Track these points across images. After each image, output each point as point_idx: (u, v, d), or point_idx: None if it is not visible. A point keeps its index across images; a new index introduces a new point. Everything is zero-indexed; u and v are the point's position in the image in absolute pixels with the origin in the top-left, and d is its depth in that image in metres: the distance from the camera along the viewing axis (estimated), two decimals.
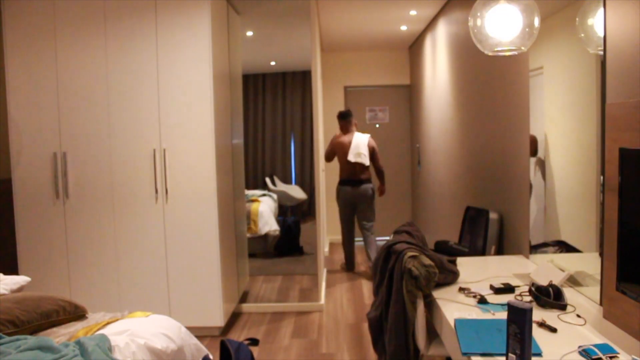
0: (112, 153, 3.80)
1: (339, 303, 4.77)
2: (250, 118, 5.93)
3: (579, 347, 1.75)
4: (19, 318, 2.29)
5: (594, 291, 2.18)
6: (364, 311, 4.46)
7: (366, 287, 5.25)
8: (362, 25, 5.90)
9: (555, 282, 2.26)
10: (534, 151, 2.95)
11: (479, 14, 2.38)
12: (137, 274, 3.84)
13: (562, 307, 2.13)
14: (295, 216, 6.02)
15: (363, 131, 6.27)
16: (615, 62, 2.04)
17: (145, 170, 3.80)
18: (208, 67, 3.73)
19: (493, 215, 3.39)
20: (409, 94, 7.56)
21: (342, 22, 5.77)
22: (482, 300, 2.27)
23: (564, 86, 2.62)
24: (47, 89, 3.80)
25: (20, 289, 2.85)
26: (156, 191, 3.80)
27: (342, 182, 5.78)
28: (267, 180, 6.01)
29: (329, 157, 5.88)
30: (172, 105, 3.76)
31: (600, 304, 2.09)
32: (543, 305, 2.16)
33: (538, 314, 2.06)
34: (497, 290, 2.37)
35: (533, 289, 2.23)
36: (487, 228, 3.38)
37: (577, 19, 2.41)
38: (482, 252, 3.37)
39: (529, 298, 2.24)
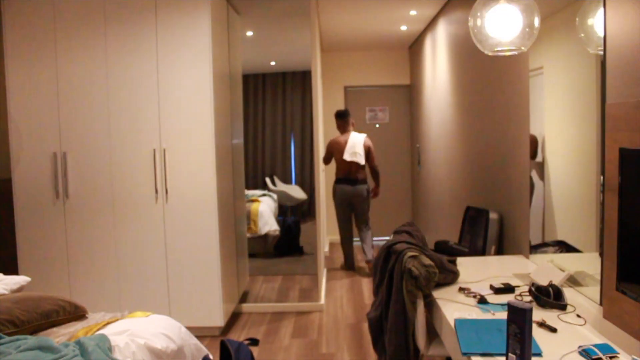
0: (112, 153, 3.80)
1: (339, 303, 4.77)
2: (250, 118, 5.93)
3: (579, 347, 1.75)
4: (19, 318, 2.29)
5: (594, 291, 2.18)
6: (364, 311, 4.47)
7: (366, 287, 5.25)
8: (362, 25, 5.90)
9: (555, 282, 2.26)
10: (533, 153, 2.95)
11: (479, 14, 2.38)
12: (137, 274, 3.84)
13: (562, 307, 2.13)
14: (295, 216, 6.02)
15: (363, 131, 6.29)
16: (615, 62, 2.04)
17: (145, 170, 3.80)
18: (208, 67, 3.74)
19: (493, 215, 3.39)
20: (409, 94, 7.56)
21: (342, 22, 5.77)
22: (482, 300, 2.27)
23: (564, 86, 2.62)
24: (47, 89, 3.80)
25: (20, 289, 2.85)
26: (156, 191, 3.80)
27: (339, 181, 5.82)
28: (267, 180, 6.01)
29: (326, 160, 5.91)
30: (172, 105, 3.76)
31: (600, 304, 2.09)
32: (543, 305, 2.16)
33: (538, 314, 2.06)
34: (497, 290, 2.37)
35: (533, 289, 2.23)
36: (487, 228, 3.38)
37: (577, 19, 2.41)
38: (482, 252, 3.37)
39: (529, 298, 2.24)
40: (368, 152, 5.75)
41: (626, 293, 1.73)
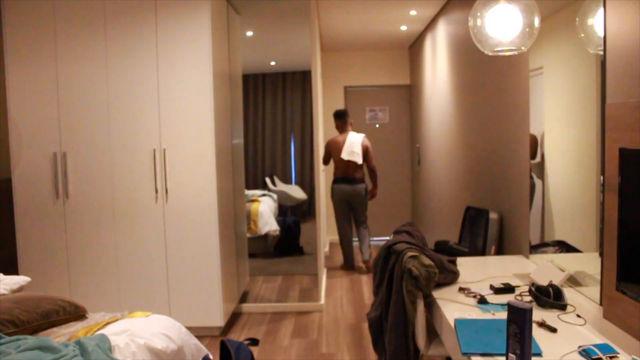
0: (112, 153, 3.80)
1: (339, 303, 4.77)
2: (250, 118, 5.93)
3: (579, 347, 1.75)
4: (19, 318, 2.30)
5: (594, 291, 2.18)
6: (364, 311, 4.47)
7: (366, 287, 5.25)
8: (362, 25, 5.90)
9: (555, 282, 2.26)
10: (533, 154, 2.95)
11: (479, 14, 2.38)
12: (137, 274, 3.84)
13: (562, 307, 2.13)
14: (295, 216, 6.03)
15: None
16: (615, 62, 2.04)
17: (145, 170, 3.80)
18: (208, 67, 3.74)
19: (493, 215, 3.39)
20: (409, 94, 7.57)
21: (342, 22, 5.77)
22: (482, 300, 2.27)
23: (564, 86, 2.62)
24: (47, 89, 3.80)
25: (20, 289, 2.85)
26: (156, 191, 3.80)
27: (337, 181, 5.84)
28: (267, 180, 6.01)
29: (325, 160, 5.92)
30: (172, 105, 3.77)
31: (600, 304, 2.09)
32: (543, 305, 2.16)
33: (538, 314, 2.06)
34: (497, 290, 2.37)
35: (533, 289, 2.23)
36: (487, 228, 3.38)
37: (577, 19, 2.41)
38: (482, 252, 3.37)
39: (529, 298, 2.24)
40: (366, 152, 5.77)
41: (626, 293, 1.73)
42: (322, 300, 4.63)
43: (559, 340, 1.85)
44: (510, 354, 1.58)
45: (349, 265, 5.97)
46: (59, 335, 2.34)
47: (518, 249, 3.16)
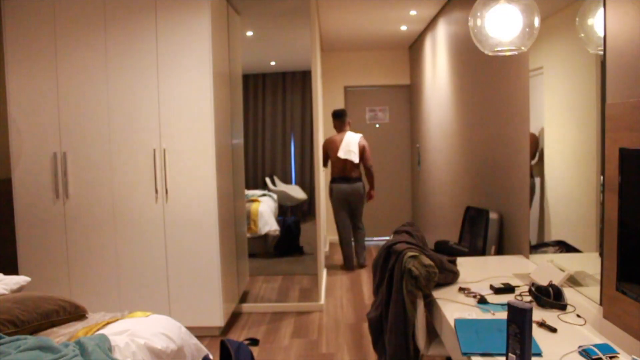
0: (112, 153, 3.80)
1: (339, 303, 4.77)
2: (250, 118, 5.93)
3: (579, 347, 1.75)
4: (19, 318, 2.29)
5: (594, 291, 2.18)
6: (364, 311, 4.46)
7: (366, 287, 5.25)
8: (362, 25, 5.91)
9: (555, 282, 2.26)
10: (533, 154, 2.95)
11: (479, 14, 2.38)
12: (137, 274, 3.84)
13: (562, 307, 2.13)
14: (295, 216, 6.03)
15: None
16: (615, 62, 2.04)
17: (145, 170, 3.80)
18: (208, 67, 3.73)
19: (493, 215, 3.39)
20: (409, 94, 7.56)
21: (342, 22, 5.77)
22: (482, 300, 2.27)
23: (564, 86, 2.62)
24: (47, 89, 3.80)
25: (20, 289, 2.85)
26: (156, 191, 3.80)
27: (334, 180, 5.85)
28: (267, 180, 6.01)
29: (324, 161, 5.93)
30: (172, 105, 3.76)
31: (600, 304, 2.09)
32: (543, 305, 2.16)
33: (538, 314, 2.06)
34: (497, 290, 2.37)
35: (533, 289, 2.23)
36: (487, 228, 3.38)
37: (577, 19, 2.41)
38: (482, 252, 3.37)
39: (529, 298, 2.24)
40: (362, 152, 5.78)
41: (626, 293, 1.73)
42: (322, 300, 4.63)
43: (559, 340, 1.85)
44: (510, 354, 1.58)
45: (349, 265, 5.97)
46: (59, 335, 2.34)
47: (518, 249, 3.16)
